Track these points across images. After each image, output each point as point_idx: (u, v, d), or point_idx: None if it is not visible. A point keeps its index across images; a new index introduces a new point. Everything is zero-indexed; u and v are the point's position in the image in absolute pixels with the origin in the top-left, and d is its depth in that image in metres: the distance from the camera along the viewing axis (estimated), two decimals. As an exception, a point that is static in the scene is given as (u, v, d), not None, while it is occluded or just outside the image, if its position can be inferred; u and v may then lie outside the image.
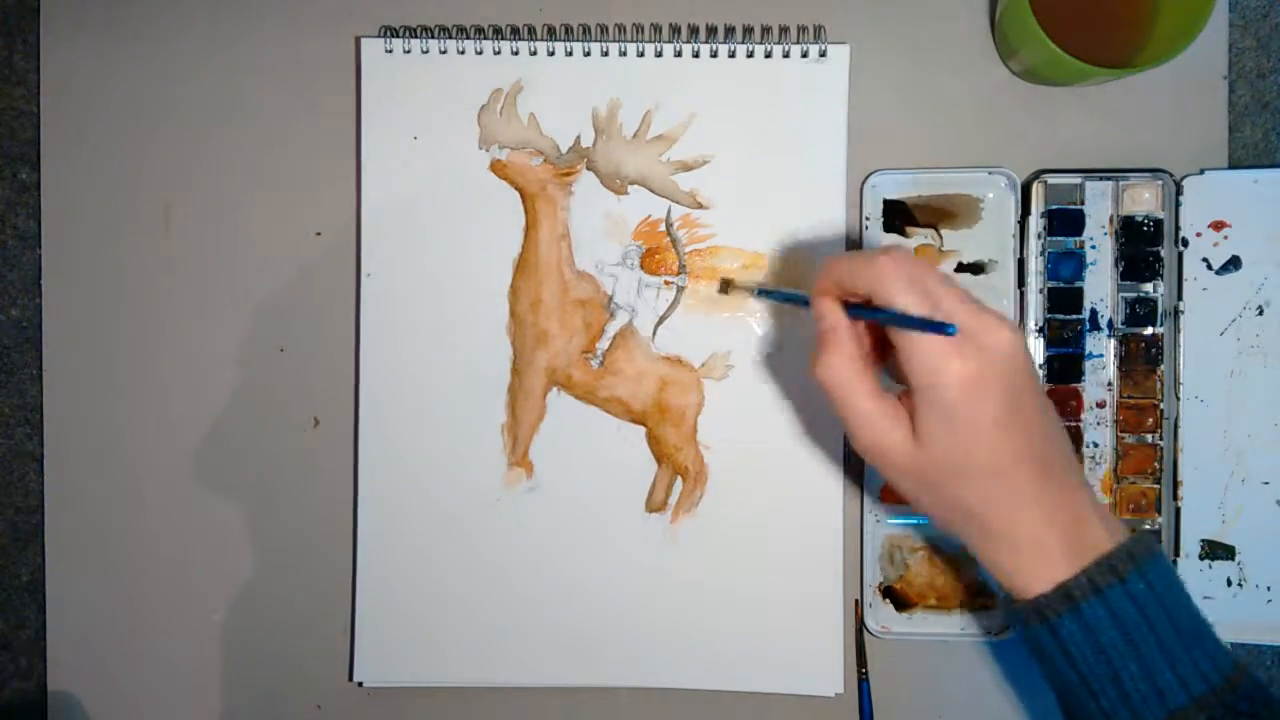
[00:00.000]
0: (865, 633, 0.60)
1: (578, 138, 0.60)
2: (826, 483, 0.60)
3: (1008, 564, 0.46)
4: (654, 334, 0.60)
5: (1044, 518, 0.45)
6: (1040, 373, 0.49)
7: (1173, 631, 0.44)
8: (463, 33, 0.60)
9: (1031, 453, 0.45)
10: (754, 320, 0.60)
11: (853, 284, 0.46)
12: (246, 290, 0.62)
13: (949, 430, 0.45)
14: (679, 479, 0.60)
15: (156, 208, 0.62)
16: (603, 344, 0.60)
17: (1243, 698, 0.44)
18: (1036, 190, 0.59)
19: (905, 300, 0.44)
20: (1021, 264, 0.59)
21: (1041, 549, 0.45)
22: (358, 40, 0.60)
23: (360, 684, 0.61)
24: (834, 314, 0.47)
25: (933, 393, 0.44)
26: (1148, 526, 0.59)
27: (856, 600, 0.60)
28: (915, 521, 0.60)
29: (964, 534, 0.47)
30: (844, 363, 0.47)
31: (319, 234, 0.61)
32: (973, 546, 0.48)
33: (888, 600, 0.60)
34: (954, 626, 0.60)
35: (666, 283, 0.60)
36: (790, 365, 0.60)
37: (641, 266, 0.60)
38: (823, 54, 0.59)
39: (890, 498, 0.59)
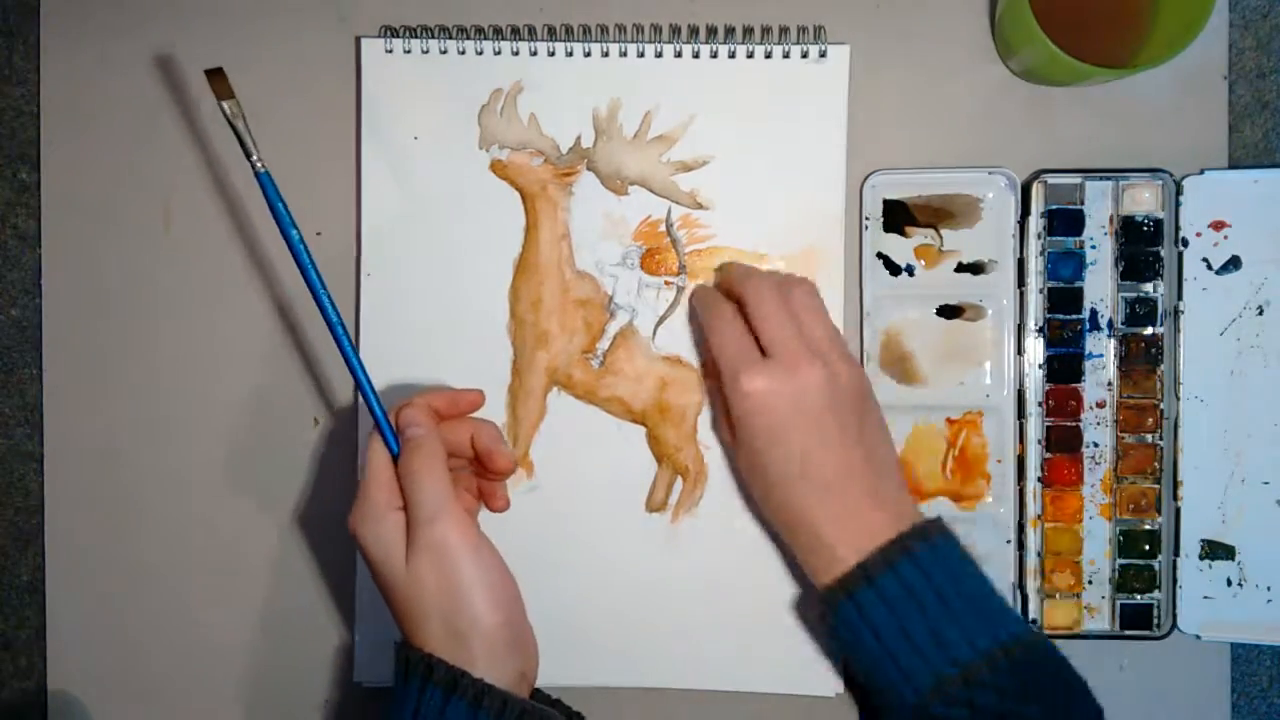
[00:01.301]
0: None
1: (578, 138, 0.60)
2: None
3: (806, 561, 0.53)
4: (654, 334, 0.60)
5: (826, 521, 0.51)
6: (862, 402, 0.54)
7: (959, 597, 0.50)
8: (463, 33, 0.60)
9: (812, 468, 0.52)
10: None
11: (733, 287, 0.56)
12: (246, 290, 0.62)
13: (747, 438, 0.53)
14: (679, 479, 0.60)
15: (156, 208, 0.62)
16: (603, 344, 0.60)
17: (1023, 663, 0.49)
18: (1036, 190, 0.59)
19: (769, 310, 0.53)
20: (1021, 264, 0.59)
21: (824, 550, 0.52)
22: (358, 40, 0.60)
23: (360, 684, 0.61)
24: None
25: (735, 402, 0.52)
26: (1147, 526, 0.59)
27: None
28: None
29: (779, 528, 0.55)
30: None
31: (319, 234, 0.61)
32: (787, 539, 0.55)
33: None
34: (954, 626, 0.59)
35: (667, 283, 0.60)
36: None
37: (642, 267, 0.60)
38: (823, 54, 0.59)
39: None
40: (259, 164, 0.51)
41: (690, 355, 0.60)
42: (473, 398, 0.55)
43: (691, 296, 0.59)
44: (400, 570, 0.49)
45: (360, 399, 0.60)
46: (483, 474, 0.56)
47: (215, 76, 0.51)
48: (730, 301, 0.56)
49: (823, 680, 0.60)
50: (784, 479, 0.52)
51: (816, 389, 0.51)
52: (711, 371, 0.58)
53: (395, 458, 0.51)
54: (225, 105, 0.51)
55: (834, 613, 0.51)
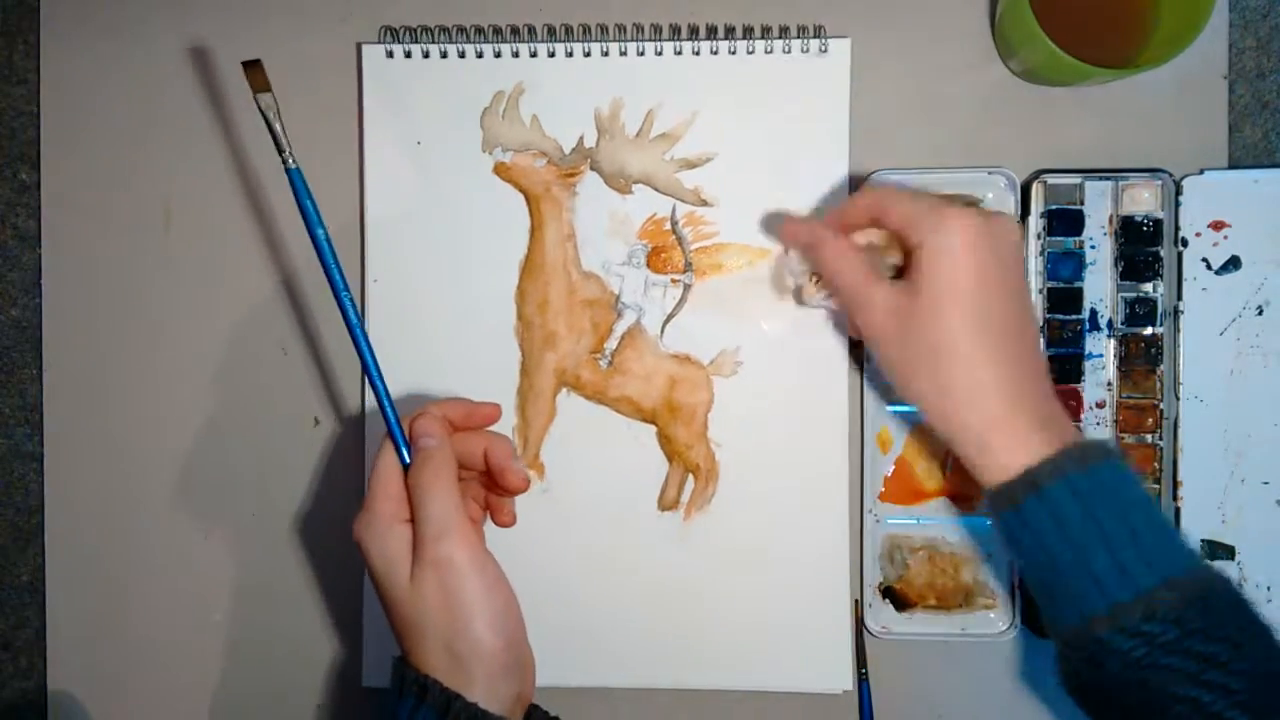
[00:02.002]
0: (865, 633, 0.60)
1: (581, 138, 0.60)
2: (836, 475, 0.60)
3: (973, 449, 0.49)
4: (662, 332, 0.60)
5: (1011, 403, 0.48)
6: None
7: (1143, 521, 0.46)
8: (463, 34, 0.60)
9: (1002, 340, 0.49)
10: (762, 316, 0.60)
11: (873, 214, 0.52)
12: (246, 290, 0.62)
13: (931, 302, 0.49)
14: (691, 477, 0.60)
15: (156, 208, 0.62)
16: (611, 344, 0.60)
17: (1205, 598, 0.45)
18: (1036, 190, 0.59)
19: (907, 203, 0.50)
20: (1022, 264, 0.59)
21: (1002, 431, 0.48)
22: (359, 46, 0.60)
23: (366, 687, 0.61)
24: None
25: (930, 254, 0.49)
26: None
27: (856, 600, 0.60)
28: (915, 521, 0.60)
29: (938, 417, 0.50)
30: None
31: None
32: (946, 431, 0.50)
33: (887, 600, 0.60)
34: (954, 626, 0.60)
35: (673, 280, 0.60)
36: (799, 359, 0.60)
37: (648, 265, 0.60)
38: (824, 49, 0.59)
39: (890, 497, 0.60)
40: (290, 160, 0.50)
41: (699, 353, 0.60)
42: (489, 411, 0.54)
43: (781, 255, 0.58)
44: (403, 585, 0.48)
45: (371, 405, 0.60)
46: (492, 488, 0.55)
47: (253, 69, 0.50)
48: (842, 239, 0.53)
49: (834, 677, 0.60)
50: (975, 343, 0.48)
51: (1010, 241, 0.50)
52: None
53: (405, 467, 0.50)
54: (260, 99, 0.49)
55: (1014, 509, 0.48)
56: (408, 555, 0.48)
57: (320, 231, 0.50)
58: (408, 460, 0.50)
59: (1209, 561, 0.47)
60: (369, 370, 0.51)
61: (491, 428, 0.54)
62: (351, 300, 0.51)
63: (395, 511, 0.49)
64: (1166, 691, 0.44)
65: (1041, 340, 0.52)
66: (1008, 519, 0.48)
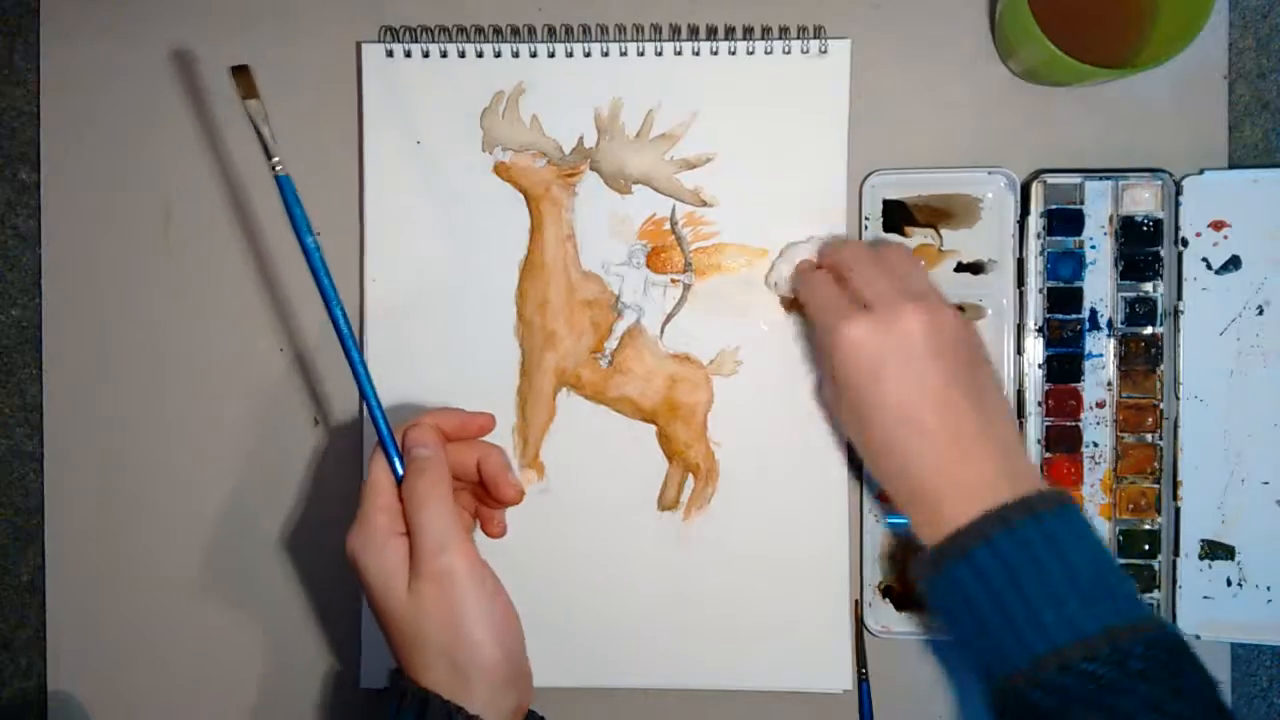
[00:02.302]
0: (865, 633, 0.60)
1: (580, 138, 0.60)
2: (835, 475, 0.60)
3: (911, 517, 0.51)
4: (662, 332, 0.60)
5: (928, 471, 0.49)
6: (975, 349, 0.52)
7: (1085, 570, 0.47)
8: (463, 34, 0.60)
9: (911, 413, 0.50)
10: (762, 316, 0.60)
11: (825, 256, 0.56)
12: (246, 290, 0.62)
13: (848, 387, 0.51)
14: (690, 477, 0.60)
15: (156, 208, 0.62)
16: (611, 343, 0.60)
17: (1139, 643, 0.45)
18: (1036, 190, 0.59)
19: (868, 271, 0.53)
20: (1021, 264, 0.59)
21: (926, 504, 0.50)
22: (359, 46, 0.60)
23: (365, 689, 0.61)
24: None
25: (836, 352, 0.51)
26: (1147, 526, 0.59)
27: (856, 600, 0.60)
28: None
29: (884, 483, 0.52)
30: None
31: (319, 233, 0.61)
32: (892, 495, 0.52)
33: (888, 600, 0.60)
34: (954, 626, 0.59)
35: (673, 281, 0.60)
36: (798, 359, 0.60)
37: (647, 265, 0.60)
38: (823, 50, 0.59)
39: (890, 497, 0.59)
40: (279, 167, 0.49)
41: (699, 352, 0.60)
42: (483, 421, 0.53)
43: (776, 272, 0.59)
44: (401, 598, 0.48)
45: (366, 413, 0.60)
46: (484, 499, 0.54)
47: (240, 74, 0.50)
48: (822, 270, 0.56)
49: (834, 677, 0.60)
50: (885, 427, 0.50)
51: (920, 334, 0.50)
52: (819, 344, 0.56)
53: (398, 479, 0.50)
54: (249, 105, 0.49)
55: (936, 573, 0.49)
56: (405, 568, 0.48)
57: (310, 239, 0.50)
58: (400, 472, 0.50)
59: (1151, 611, 0.48)
60: (360, 381, 0.50)
61: (488, 436, 0.54)
62: (343, 310, 0.50)
63: (390, 524, 0.49)
64: None
65: (998, 397, 0.52)
66: (951, 573, 0.48)
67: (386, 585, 0.48)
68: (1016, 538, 0.47)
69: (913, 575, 0.53)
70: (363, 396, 0.51)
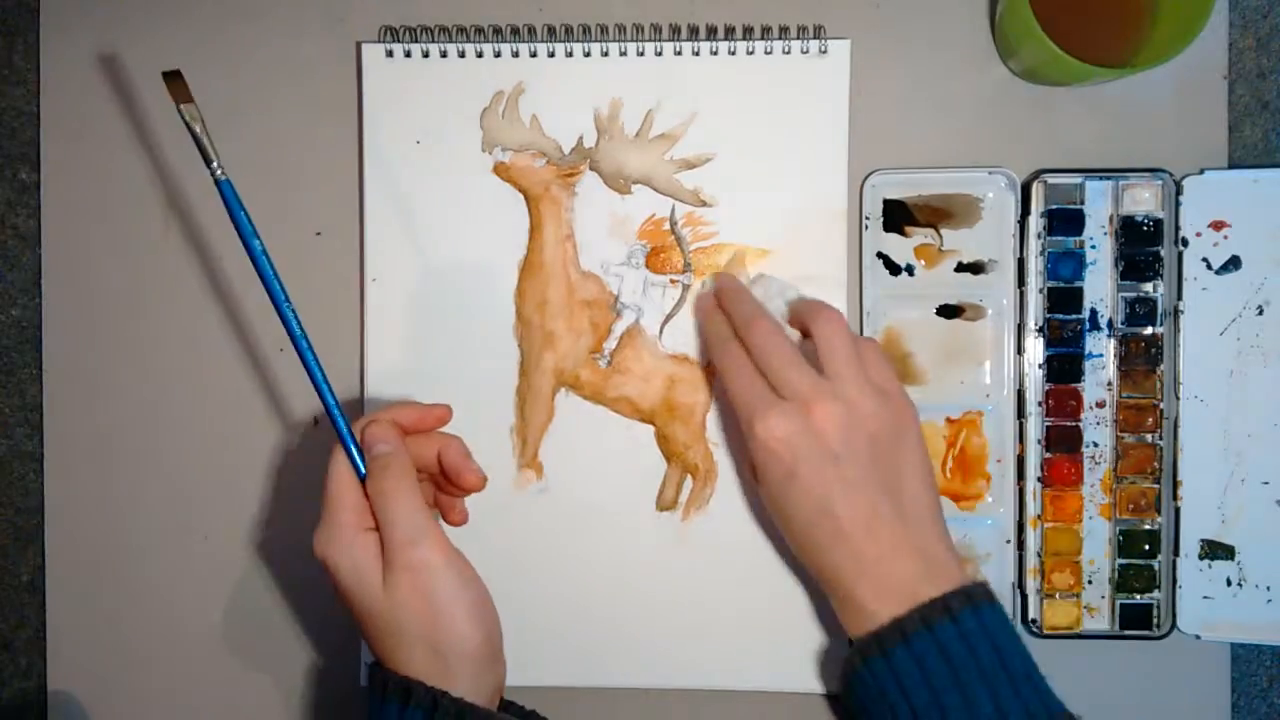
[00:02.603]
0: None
1: (580, 138, 0.60)
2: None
3: (836, 611, 0.52)
4: (661, 333, 0.60)
5: (848, 571, 0.50)
6: (909, 438, 0.52)
7: (1000, 669, 0.47)
8: (463, 34, 0.60)
9: (828, 515, 0.49)
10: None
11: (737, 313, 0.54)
12: (246, 290, 0.62)
13: (764, 479, 0.51)
14: (689, 477, 0.60)
15: (156, 208, 0.62)
16: (610, 344, 0.60)
17: None
18: (1036, 190, 0.59)
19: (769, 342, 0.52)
20: (1021, 264, 0.59)
21: (848, 602, 0.50)
22: (359, 45, 0.60)
23: (365, 687, 0.61)
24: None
25: (754, 447, 0.51)
26: (1147, 526, 0.59)
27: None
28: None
29: (808, 570, 0.53)
30: None
31: (318, 234, 0.61)
32: (817, 582, 0.53)
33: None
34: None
35: (672, 281, 0.60)
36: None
37: (647, 265, 0.60)
38: (823, 50, 0.59)
39: None
40: (219, 171, 0.49)
41: (698, 353, 0.60)
42: (440, 413, 0.54)
43: (697, 312, 0.59)
44: (375, 593, 0.48)
45: (369, 401, 0.60)
46: (443, 488, 0.55)
47: (173, 80, 0.49)
48: (738, 341, 0.54)
49: (834, 677, 0.60)
50: (804, 526, 0.50)
51: (834, 431, 0.49)
52: (723, 396, 0.56)
53: (361, 476, 0.50)
54: (183, 110, 0.49)
55: (851, 671, 0.50)
56: (377, 563, 0.48)
57: (256, 243, 0.50)
58: (362, 469, 0.50)
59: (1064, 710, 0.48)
60: (315, 379, 0.50)
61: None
62: (294, 310, 0.50)
63: (357, 521, 0.49)
64: None
65: (919, 485, 0.51)
66: (866, 670, 0.49)
67: (360, 581, 0.48)
68: (935, 637, 0.47)
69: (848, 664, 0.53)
70: (319, 395, 0.51)
